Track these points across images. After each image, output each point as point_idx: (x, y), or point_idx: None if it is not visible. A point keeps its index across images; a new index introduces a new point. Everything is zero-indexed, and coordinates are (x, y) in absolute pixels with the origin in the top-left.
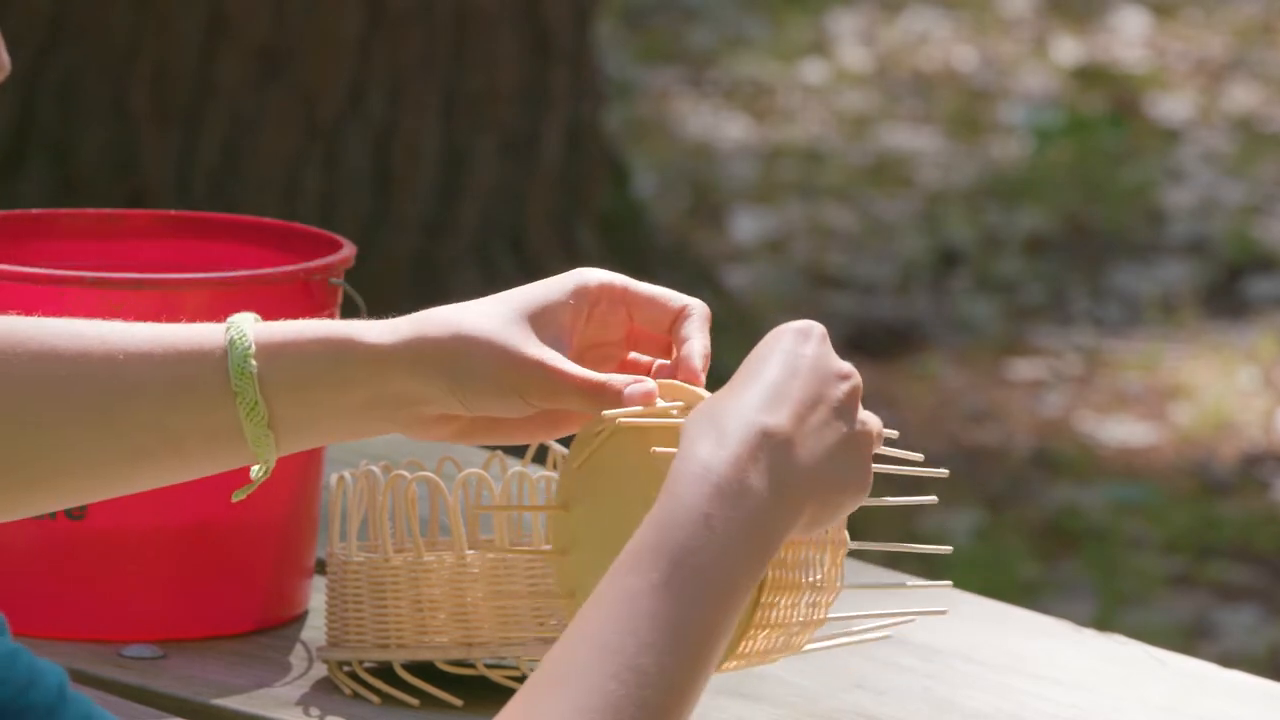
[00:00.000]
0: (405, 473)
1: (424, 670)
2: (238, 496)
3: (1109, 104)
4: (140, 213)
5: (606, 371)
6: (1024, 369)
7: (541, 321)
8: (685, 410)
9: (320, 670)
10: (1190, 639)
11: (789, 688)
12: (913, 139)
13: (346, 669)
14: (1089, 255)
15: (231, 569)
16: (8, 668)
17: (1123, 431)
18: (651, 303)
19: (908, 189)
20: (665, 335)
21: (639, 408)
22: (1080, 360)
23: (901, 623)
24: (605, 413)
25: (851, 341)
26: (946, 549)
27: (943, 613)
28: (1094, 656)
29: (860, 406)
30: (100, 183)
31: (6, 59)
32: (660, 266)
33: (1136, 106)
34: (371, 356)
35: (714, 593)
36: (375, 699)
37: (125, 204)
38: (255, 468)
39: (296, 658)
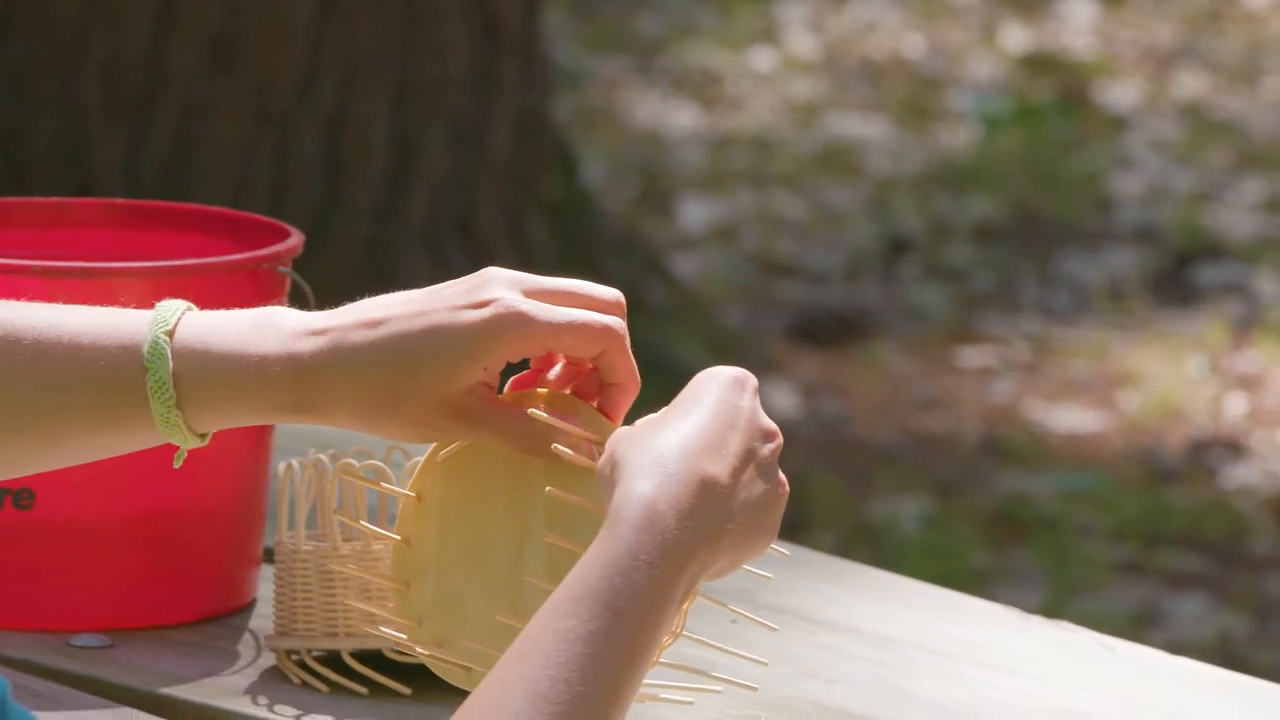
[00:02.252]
0: (353, 460)
1: (373, 659)
2: (177, 462)
3: (1057, 91)
4: (89, 202)
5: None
6: (973, 356)
7: (460, 388)
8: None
9: (269, 659)
10: (1139, 627)
11: (739, 677)
12: (862, 127)
13: (295, 658)
14: (1038, 243)
15: (180, 558)
16: None
17: (1071, 419)
18: (567, 347)
19: (857, 177)
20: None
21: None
22: (1029, 348)
23: (710, 690)
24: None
25: (801, 329)
26: (774, 627)
27: (753, 689)
28: (1043, 644)
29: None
30: (50, 173)
31: None
32: (609, 255)
33: (1085, 94)
34: (271, 407)
35: (644, 641)
36: (324, 688)
37: (75, 194)
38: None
39: (245, 647)
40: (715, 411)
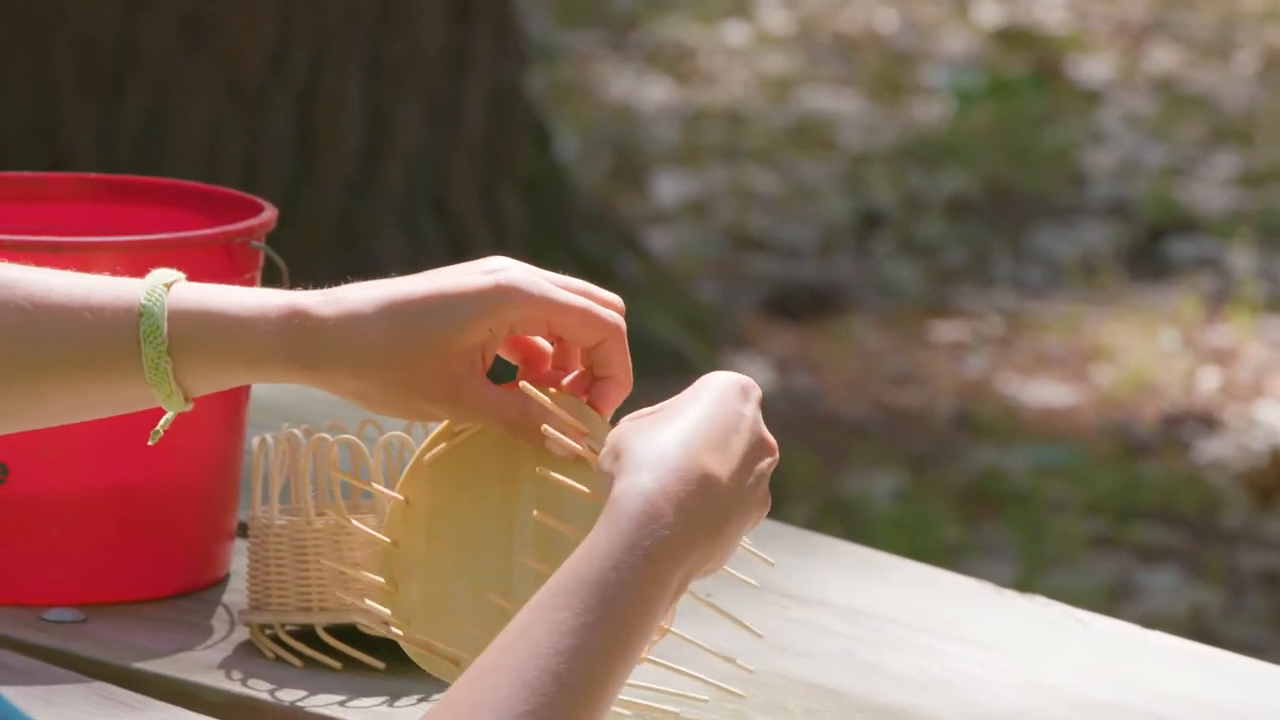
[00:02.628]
0: (327, 435)
1: (346, 633)
2: (153, 440)
3: (1030, 66)
4: (62, 176)
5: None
6: (946, 331)
7: (458, 350)
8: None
9: (242, 634)
10: (1112, 600)
11: (721, 671)
12: (835, 101)
13: (269, 632)
14: (1011, 217)
15: (153, 533)
16: None
17: (1044, 393)
18: (570, 328)
19: (830, 151)
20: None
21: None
22: (1002, 322)
23: (697, 701)
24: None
25: (774, 304)
26: (771, 562)
27: (741, 696)
28: (1016, 618)
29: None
30: (23, 150)
31: None
32: (582, 229)
33: (1058, 68)
34: (264, 358)
35: (634, 636)
36: (297, 662)
37: (47, 171)
38: (165, 418)
39: (218, 621)
40: (719, 412)
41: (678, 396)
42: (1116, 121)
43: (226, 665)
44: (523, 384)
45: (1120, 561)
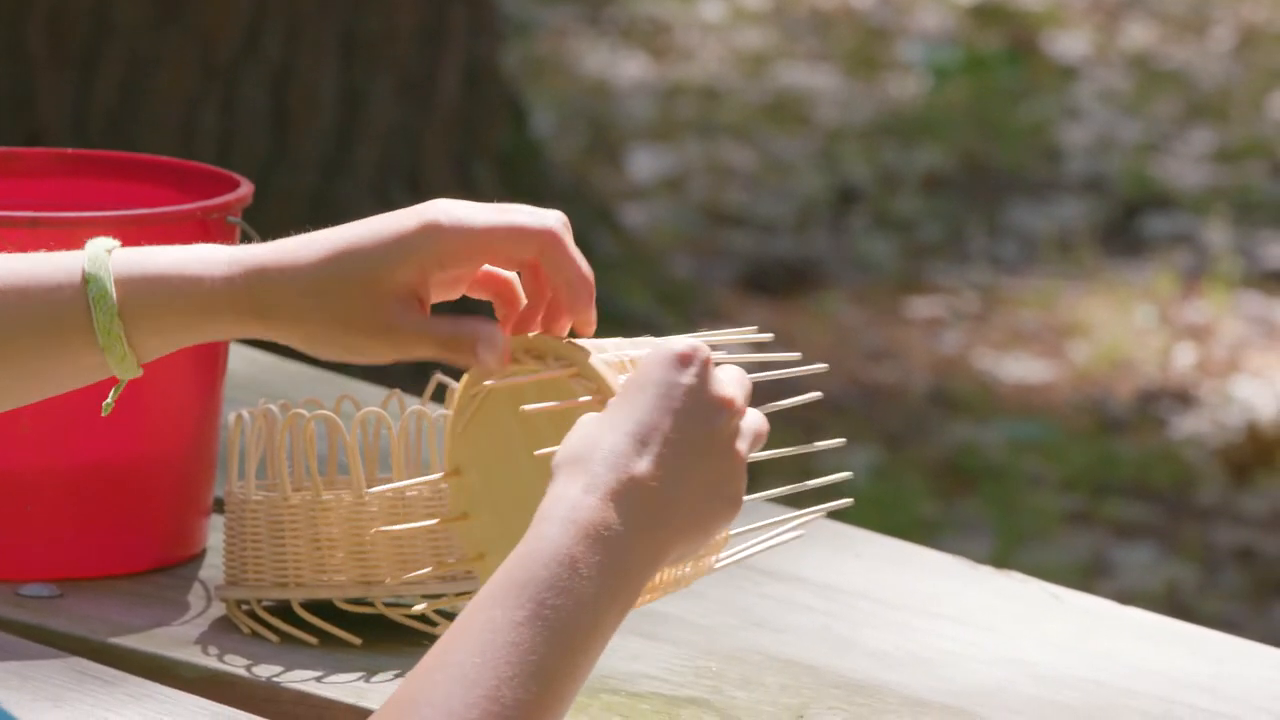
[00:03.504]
0: (303, 411)
1: (323, 609)
2: (105, 410)
3: (1006, 42)
4: (38, 151)
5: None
6: (922, 307)
7: (390, 289)
8: (556, 364)
9: (219, 609)
10: (1087, 576)
11: (688, 626)
12: (811, 77)
13: (245, 608)
14: (986, 193)
15: (129, 508)
16: None
17: (1020, 369)
18: (499, 248)
19: (806, 127)
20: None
21: (514, 374)
22: (978, 298)
23: (810, 519)
24: (486, 381)
25: (749, 280)
26: (846, 474)
27: (849, 503)
28: (992, 594)
29: (740, 427)
30: None
31: None
32: (558, 205)
33: (1034, 44)
34: (213, 309)
35: (575, 633)
36: (274, 638)
37: (22, 145)
38: (115, 388)
39: (195, 597)
40: (650, 400)
41: (628, 381)
42: (1092, 97)
43: (203, 641)
44: (522, 408)
45: (1095, 537)
